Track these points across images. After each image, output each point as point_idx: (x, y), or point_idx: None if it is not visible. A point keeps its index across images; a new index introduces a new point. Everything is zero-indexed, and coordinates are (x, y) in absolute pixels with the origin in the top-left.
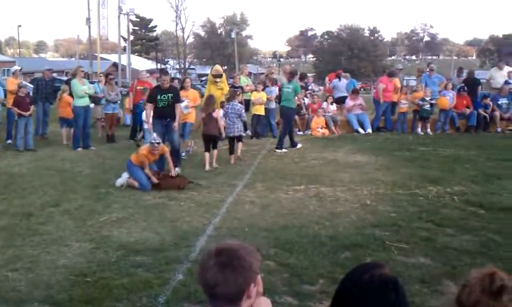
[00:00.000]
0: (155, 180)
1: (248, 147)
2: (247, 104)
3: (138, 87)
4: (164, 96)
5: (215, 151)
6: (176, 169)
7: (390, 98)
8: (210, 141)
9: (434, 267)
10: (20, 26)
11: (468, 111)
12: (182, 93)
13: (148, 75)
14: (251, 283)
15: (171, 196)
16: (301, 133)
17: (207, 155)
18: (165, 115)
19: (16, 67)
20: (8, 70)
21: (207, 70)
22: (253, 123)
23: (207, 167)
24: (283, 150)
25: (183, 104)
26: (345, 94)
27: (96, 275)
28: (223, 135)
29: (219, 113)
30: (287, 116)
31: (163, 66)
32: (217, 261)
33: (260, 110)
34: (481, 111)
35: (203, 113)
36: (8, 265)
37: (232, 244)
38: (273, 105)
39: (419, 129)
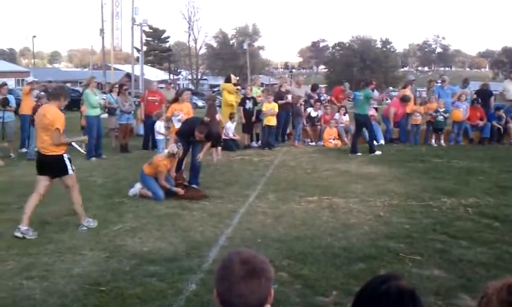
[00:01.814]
0: (181, 191)
1: (260, 157)
2: (258, 115)
3: (149, 98)
4: (195, 138)
5: (219, 148)
6: (193, 185)
7: (399, 118)
8: (214, 140)
9: (449, 279)
10: (34, 37)
11: (481, 123)
12: (175, 106)
13: (162, 85)
14: (271, 291)
15: (183, 205)
16: (314, 144)
17: (213, 149)
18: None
19: (32, 78)
20: (23, 80)
21: (219, 81)
22: (264, 134)
23: (215, 159)
24: (358, 154)
25: (177, 118)
26: (375, 105)
27: (110, 284)
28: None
29: (220, 117)
30: (360, 122)
31: (175, 77)
32: (246, 270)
33: (272, 121)
34: (495, 123)
35: (207, 117)
36: (22, 272)
37: (251, 252)
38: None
39: (433, 140)
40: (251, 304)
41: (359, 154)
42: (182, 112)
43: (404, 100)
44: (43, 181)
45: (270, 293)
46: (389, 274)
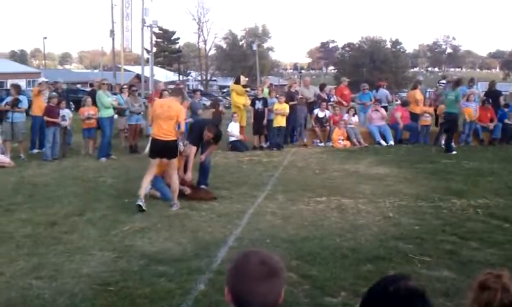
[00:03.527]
0: (187, 190)
1: (269, 158)
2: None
3: (156, 99)
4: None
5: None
6: (202, 186)
7: (406, 121)
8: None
9: (459, 281)
10: (45, 38)
11: (491, 125)
12: None
13: (173, 87)
14: (282, 291)
15: (192, 206)
16: (323, 144)
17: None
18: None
19: (43, 79)
20: (34, 81)
21: (229, 82)
22: (273, 135)
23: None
24: (454, 152)
25: None
26: (385, 104)
27: (119, 284)
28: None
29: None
30: (450, 121)
31: (185, 78)
32: (267, 270)
33: (281, 122)
34: (507, 121)
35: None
36: (32, 273)
37: (267, 252)
38: (272, 116)
39: (442, 141)
40: (268, 304)
41: (454, 152)
42: None
43: (405, 104)
44: (156, 163)
45: (281, 293)
46: (398, 274)
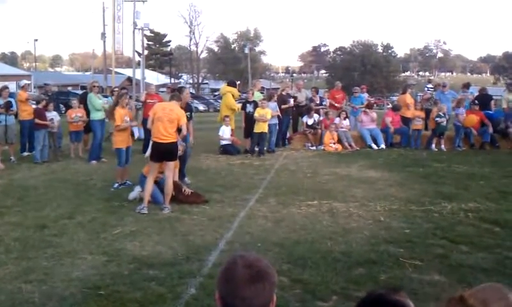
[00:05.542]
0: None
1: (261, 161)
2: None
3: (148, 101)
4: None
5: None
6: (185, 179)
7: (397, 125)
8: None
9: (449, 285)
10: (36, 40)
11: (490, 129)
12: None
13: (164, 89)
14: (274, 296)
15: (183, 209)
16: (314, 148)
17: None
18: None
19: (25, 81)
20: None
21: (220, 85)
22: (254, 141)
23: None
24: None
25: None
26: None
27: (109, 288)
28: None
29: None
30: None
31: (177, 81)
32: (251, 274)
33: (262, 128)
34: (502, 120)
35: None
36: (21, 276)
37: (255, 255)
38: (275, 120)
39: (433, 145)
40: (259, 306)
41: None
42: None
43: (396, 108)
44: (157, 167)
45: (273, 298)
46: (388, 289)
